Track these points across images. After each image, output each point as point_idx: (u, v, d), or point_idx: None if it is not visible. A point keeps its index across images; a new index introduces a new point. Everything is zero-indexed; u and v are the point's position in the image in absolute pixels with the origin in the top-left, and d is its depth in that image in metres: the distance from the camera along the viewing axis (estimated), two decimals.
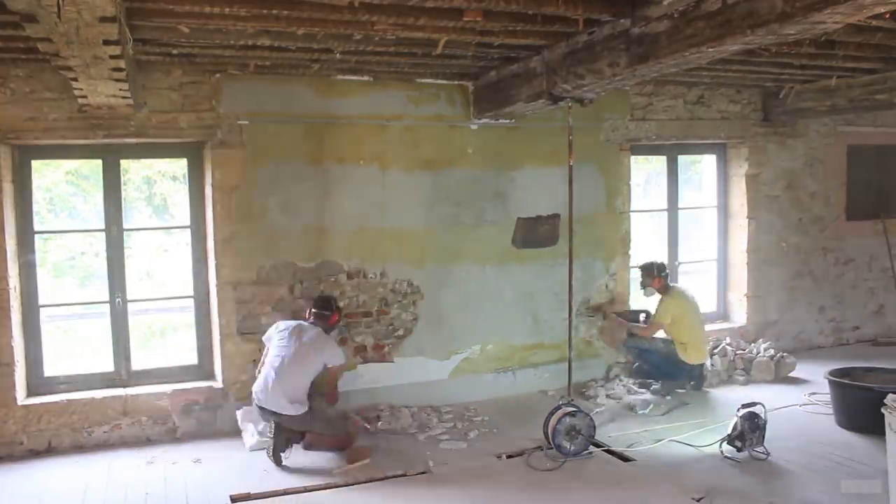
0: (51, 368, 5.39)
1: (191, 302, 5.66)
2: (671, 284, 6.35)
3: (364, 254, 5.74)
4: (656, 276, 6.23)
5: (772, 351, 6.70)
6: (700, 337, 6.20)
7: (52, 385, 5.25)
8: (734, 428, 4.76)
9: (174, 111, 5.19)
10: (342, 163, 5.63)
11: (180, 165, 6.11)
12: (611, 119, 6.51)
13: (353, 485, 4.44)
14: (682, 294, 6.31)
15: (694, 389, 6.19)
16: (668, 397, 5.97)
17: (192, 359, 5.67)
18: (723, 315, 7.46)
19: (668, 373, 6.19)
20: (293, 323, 5.04)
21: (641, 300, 6.63)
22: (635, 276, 6.95)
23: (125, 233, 5.50)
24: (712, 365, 6.47)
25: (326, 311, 5.08)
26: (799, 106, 6.72)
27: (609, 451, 4.90)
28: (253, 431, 5.07)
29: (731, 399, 5.85)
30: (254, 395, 4.85)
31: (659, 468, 4.60)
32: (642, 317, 6.49)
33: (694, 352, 6.13)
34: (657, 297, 6.27)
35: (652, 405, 5.77)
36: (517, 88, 5.14)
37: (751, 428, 4.73)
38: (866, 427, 4.94)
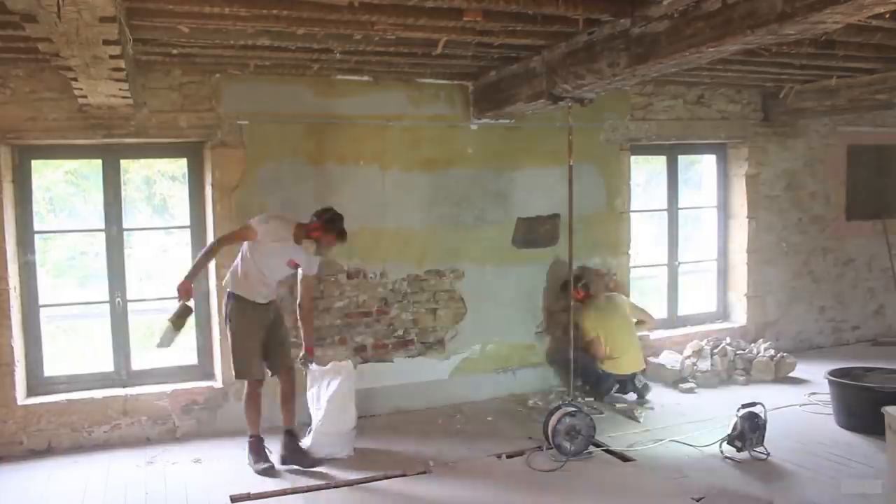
0: (51, 368, 5.38)
1: (191, 302, 5.64)
2: (593, 295, 6.13)
3: (364, 254, 5.74)
4: (575, 287, 5.77)
5: (772, 351, 6.70)
6: (624, 347, 5.99)
7: (52, 385, 5.25)
8: (734, 428, 4.76)
9: (174, 111, 5.19)
10: (342, 163, 5.63)
11: (180, 165, 6.10)
12: (611, 119, 6.50)
13: (353, 484, 4.45)
14: (598, 307, 6.09)
15: (638, 399, 5.97)
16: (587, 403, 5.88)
17: (192, 359, 5.66)
18: (723, 315, 7.46)
19: (594, 381, 6.07)
20: None
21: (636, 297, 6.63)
22: (634, 275, 6.97)
23: (125, 233, 5.50)
24: (712, 365, 6.47)
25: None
26: (799, 106, 6.72)
27: (609, 451, 4.90)
28: None
29: (672, 409, 5.85)
30: None
31: (659, 468, 4.60)
32: None
33: (619, 363, 5.96)
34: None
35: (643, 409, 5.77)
36: (517, 88, 5.14)
37: (751, 428, 4.73)
38: (866, 427, 4.95)
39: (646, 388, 6.04)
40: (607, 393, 6.03)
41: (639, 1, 3.68)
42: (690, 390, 6.22)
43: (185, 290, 4.41)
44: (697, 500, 4.11)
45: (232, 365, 4.74)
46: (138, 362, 5.55)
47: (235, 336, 4.71)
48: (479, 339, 6.16)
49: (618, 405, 5.85)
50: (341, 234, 4.71)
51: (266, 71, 5.22)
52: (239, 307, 4.71)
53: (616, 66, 3.97)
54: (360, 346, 5.79)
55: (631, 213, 6.73)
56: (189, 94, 5.22)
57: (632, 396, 6.02)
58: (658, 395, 6.12)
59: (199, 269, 4.56)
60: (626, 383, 6.03)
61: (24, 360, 5.15)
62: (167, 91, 5.17)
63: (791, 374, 6.58)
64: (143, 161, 8.53)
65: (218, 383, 5.43)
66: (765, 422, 4.79)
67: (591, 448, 4.86)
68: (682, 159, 7.33)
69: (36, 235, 5.26)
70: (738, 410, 4.80)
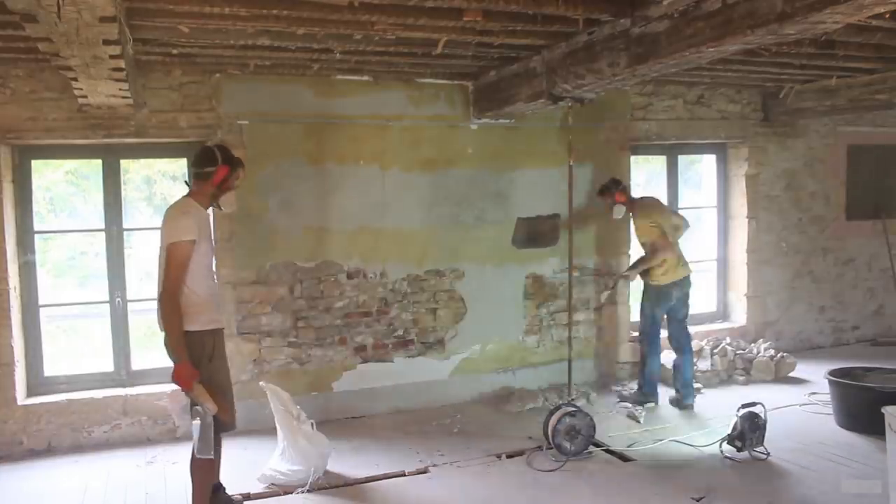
0: (51, 368, 5.39)
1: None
2: (637, 197, 5.91)
3: (364, 254, 5.74)
4: (615, 190, 5.77)
5: (772, 351, 6.70)
6: (679, 252, 5.81)
7: (52, 385, 5.26)
8: (734, 428, 4.76)
9: (174, 111, 5.19)
10: (342, 163, 5.63)
11: (180, 165, 6.11)
12: (611, 119, 6.50)
13: (353, 484, 4.45)
14: (649, 205, 5.84)
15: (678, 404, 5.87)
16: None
17: None
18: (723, 315, 7.46)
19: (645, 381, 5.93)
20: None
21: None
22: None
23: (125, 233, 5.50)
24: (712, 365, 6.46)
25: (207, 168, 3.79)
26: (799, 106, 6.72)
27: (609, 451, 4.90)
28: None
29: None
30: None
31: (659, 468, 4.61)
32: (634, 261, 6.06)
33: (678, 270, 5.77)
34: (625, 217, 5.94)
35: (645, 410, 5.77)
36: (517, 88, 5.14)
37: (751, 428, 4.73)
38: (866, 427, 4.95)
39: (692, 392, 5.88)
40: (653, 392, 5.88)
41: (639, 1, 3.68)
42: (696, 390, 6.18)
43: (192, 378, 3.52)
44: (697, 500, 4.11)
45: (233, 418, 3.84)
46: (138, 362, 5.56)
47: (224, 379, 3.84)
48: (479, 339, 6.16)
49: (620, 405, 5.85)
50: (239, 160, 3.95)
51: (266, 71, 5.22)
52: (214, 343, 3.76)
53: (616, 66, 3.97)
54: (360, 346, 5.79)
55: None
56: (189, 94, 5.22)
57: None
58: (658, 394, 6.12)
59: (183, 341, 3.58)
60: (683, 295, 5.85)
61: (24, 360, 5.15)
62: (167, 91, 5.17)
63: (791, 374, 6.58)
64: (143, 161, 8.56)
65: None
66: (765, 422, 4.79)
67: (591, 448, 4.86)
68: (682, 159, 7.33)
69: (36, 235, 5.26)
70: (738, 410, 4.80)
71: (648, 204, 5.91)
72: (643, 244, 5.88)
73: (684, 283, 5.87)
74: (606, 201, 5.93)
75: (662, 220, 5.79)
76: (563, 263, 6.12)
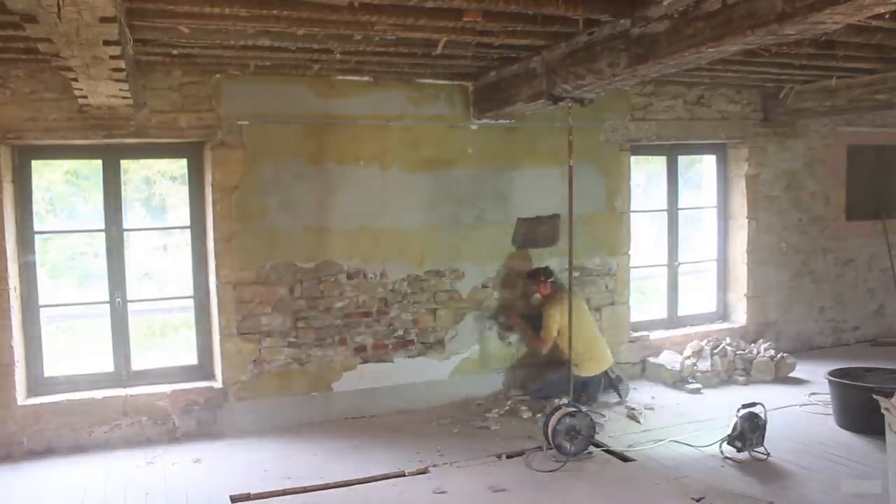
0: (51, 368, 5.38)
1: (191, 302, 5.65)
2: (559, 289, 5.91)
3: (364, 254, 5.74)
4: (542, 280, 5.90)
5: (772, 351, 6.70)
6: (594, 345, 5.90)
7: (52, 385, 5.25)
8: (734, 428, 4.76)
9: (174, 111, 5.19)
10: (342, 163, 5.63)
11: (180, 165, 6.11)
12: (611, 119, 6.50)
13: (352, 484, 4.45)
14: (564, 303, 5.69)
15: (587, 402, 5.79)
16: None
17: (192, 359, 5.67)
18: (723, 315, 7.46)
19: (580, 388, 5.78)
20: None
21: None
22: (634, 276, 6.96)
23: (125, 233, 5.50)
24: (712, 365, 6.47)
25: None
26: (799, 106, 6.72)
27: (609, 451, 4.90)
28: None
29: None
30: None
31: (659, 468, 4.60)
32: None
33: (589, 363, 5.83)
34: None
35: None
36: (517, 88, 5.14)
37: (751, 428, 4.73)
38: (866, 427, 4.95)
39: (619, 380, 6.02)
40: (596, 394, 5.94)
41: (639, 1, 3.68)
42: (697, 391, 6.20)
43: None
44: (697, 501, 4.11)
45: None
46: (138, 362, 5.56)
47: None
48: (480, 339, 6.16)
49: (616, 407, 5.85)
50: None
51: (266, 71, 5.22)
52: None
53: (616, 67, 3.97)
54: (360, 347, 5.79)
55: (631, 213, 6.74)
56: (189, 94, 5.22)
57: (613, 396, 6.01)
58: (658, 395, 6.13)
59: None
60: (601, 381, 5.95)
61: (24, 360, 5.15)
62: (167, 91, 5.17)
63: (791, 375, 6.58)
64: (142, 161, 8.54)
65: (218, 383, 5.43)
66: (765, 422, 4.79)
67: (591, 448, 4.86)
68: (682, 159, 7.33)
69: (36, 235, 5.26)
70: (738, 411, 4.80)
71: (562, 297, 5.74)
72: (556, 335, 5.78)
73: (600, 377, 5.94)
74: (531, 288, 6.02)
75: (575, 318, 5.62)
76: (562, 264, 6.11)
